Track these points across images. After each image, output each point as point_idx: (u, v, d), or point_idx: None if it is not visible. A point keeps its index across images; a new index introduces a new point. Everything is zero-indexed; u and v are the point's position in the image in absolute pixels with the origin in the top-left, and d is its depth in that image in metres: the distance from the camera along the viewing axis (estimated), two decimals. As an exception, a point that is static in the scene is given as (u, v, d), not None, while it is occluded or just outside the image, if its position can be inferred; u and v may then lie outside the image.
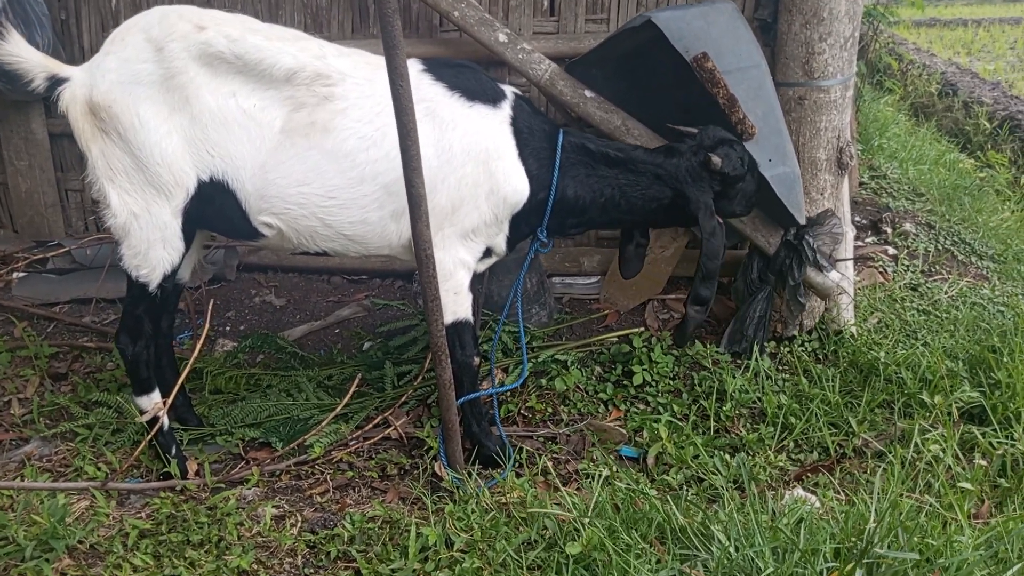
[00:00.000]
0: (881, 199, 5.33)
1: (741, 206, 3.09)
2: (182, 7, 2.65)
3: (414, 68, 2.72)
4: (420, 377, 3.48)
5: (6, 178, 4.62)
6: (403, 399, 3.40)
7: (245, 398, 3.49)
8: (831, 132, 3.53)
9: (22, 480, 2.78)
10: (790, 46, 3.48)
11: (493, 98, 2.78)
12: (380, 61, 2.73)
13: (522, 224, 2.96)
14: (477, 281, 3.78)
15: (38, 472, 2.87)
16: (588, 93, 3.64)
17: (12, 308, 4.06)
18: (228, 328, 4.15)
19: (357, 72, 2.67)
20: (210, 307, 2.89)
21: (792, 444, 3.11)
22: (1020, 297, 4.00)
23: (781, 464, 2.95)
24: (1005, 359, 3.27)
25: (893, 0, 8.00)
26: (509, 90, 2.88)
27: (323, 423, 3.19)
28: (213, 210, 2.69)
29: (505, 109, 2.79)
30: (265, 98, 2.60)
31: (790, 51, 3.48)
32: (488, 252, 3.00)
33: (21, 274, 4.41)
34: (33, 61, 2.60)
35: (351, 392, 3.12)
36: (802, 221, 3.48)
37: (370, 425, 3.24)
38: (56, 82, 2.62)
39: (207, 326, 2.92)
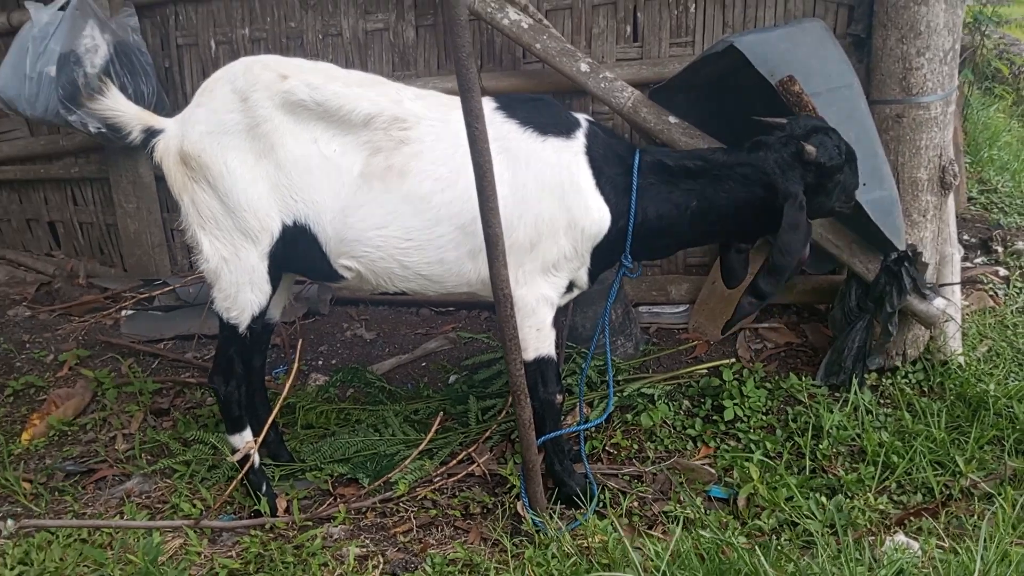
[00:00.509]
0: (992, 215, 5.02)
1: (841, 200, 2.84)
2: (266, 57, 2.74)
3: (487, 106, 2.72)
4: (504, 412, 3.46)
5: (116, 219, 4.89)
6: (487, 434, 3.39)
7: (335, 433, 3.54)
8: (932, 150, 3.34)
9: (122, 517, 2.90)
10: (886, 62, 3.32)
11: (566, 130, 2.74)
12: (454, 101, 2.71)
13: (605, 254, 2.88)
14: (560, 314, 3.75)
15: (137, 509, 2.99)
16: (672, 119, 3.57)
17: (120, 345, 4.28)
18: (320, 362, 4.25)
19: (432, 114, 2.69)
20: (299, 346, 2.94)
21: (894, 485, 2.92)
22: None
23: (881, 507, 2.77)
24: None
25: (1002, -1, 7.54)
26: (583, 118, 2.83)
27: (408, 459, 3.21)
28: (297, 253, 2.76)
29: (579, 139, 2.74)
30: (345, 143, 2.65)
31: (886, 67, 3.32)
32: (571, 286, 2.96)
33: (130, 312, 4.64)
34: (130, 114, 2.74)
35: (434, 428, 3.13)
36: (902, 247, 3.30)
37: (454, 461, 3.23)
38: (151, 133, 2.75)
39: (296, 364, 2.98)
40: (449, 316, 4.52)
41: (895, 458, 2.99)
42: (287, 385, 2.95)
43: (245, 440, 2.96)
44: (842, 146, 2.72)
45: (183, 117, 2.73)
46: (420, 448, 3.21)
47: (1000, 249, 4.46)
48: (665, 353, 3.92)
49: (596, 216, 2.73)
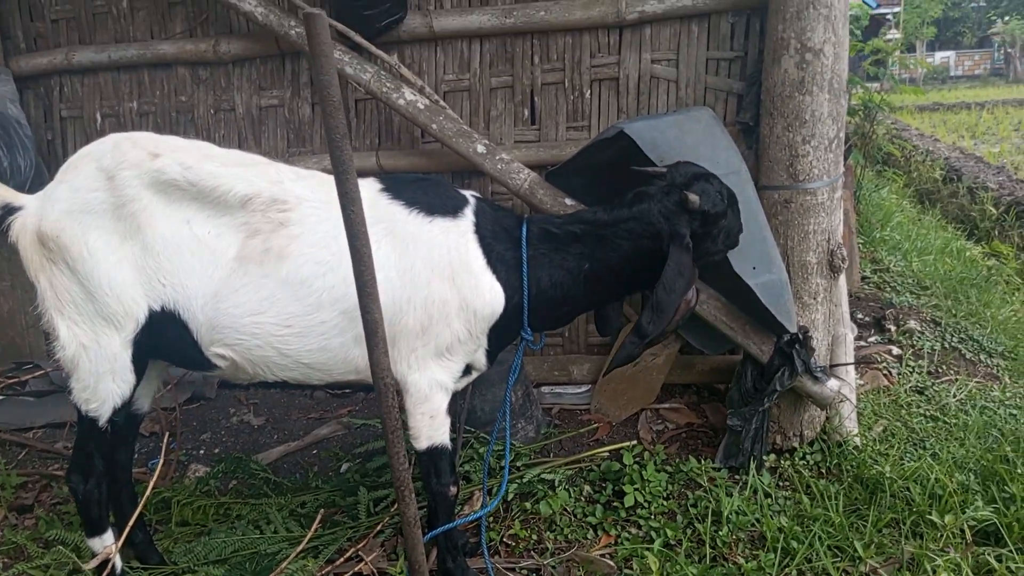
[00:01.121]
0: (884, 294, 5.18)
1: (725, 243, 2.83)
2: (137, 134, 2.60)
3: (371, 188, 2.64)
4: (396, 493, 3.28)
5: (-12, 298, 4.58)
6: (378, 528, 3.20)
7: (212, 531, 3.29)
8: (820, 234, 3.41)
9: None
10: (773, 149, 3.40)
11: (453, 209, 2.67)
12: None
13: (503, 333, 2.79)
14: (458, 398, 3.63)
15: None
16: (569, 201, 3.56)
17: (-16, 434, 3.94)
18: (202, 451, 3.99)
19: (314, 195, 2.59)
20: (166, 439, 2.73)
21: (794, 572, 2.86)
22: (1033, 399, 3.79)
23: (782, 598, 2.71)
24: (1019, 470, 3.05)
25: (893, 87, 8.01)
26: (469, 195, 2.77)
27: (288, 559, 2.99)
28: (165, 341, 2.58)
29: (467, 218, 2.66)
30: (220, 225, 2.52)
31: (773, 154, 3.40)
32: (468, 369, 2.85)
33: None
34: None
35: (316, 524, 2.93)
36: (793, 328, 3.33)
37: (341, 559, 3.03)
38: (9, 211, 2.55)
39: (162, 457, 2.76)
40: (346, 399, 4.34)
41: (794, 544, 2.94)
42: (151, 482, 2.72)
43: (105, 544, 2.70)
44: (724, 191, 2.72)
45: (44, 194, 2.55)
46: (302, 546, 3.00)
47: (893, 328, 4.57)
48: (567, 436, 3.83)
49: (488, 296, 2.65)
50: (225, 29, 4.20)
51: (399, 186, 2.69)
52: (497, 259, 2.66)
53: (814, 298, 3.47)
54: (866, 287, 5.34)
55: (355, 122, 4.13)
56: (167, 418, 4.15)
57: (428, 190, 2.71)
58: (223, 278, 2.50)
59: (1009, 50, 33.99)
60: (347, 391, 4.39)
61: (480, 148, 3.61)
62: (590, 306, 2.92)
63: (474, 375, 2.92)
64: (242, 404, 4.32)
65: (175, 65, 4.30)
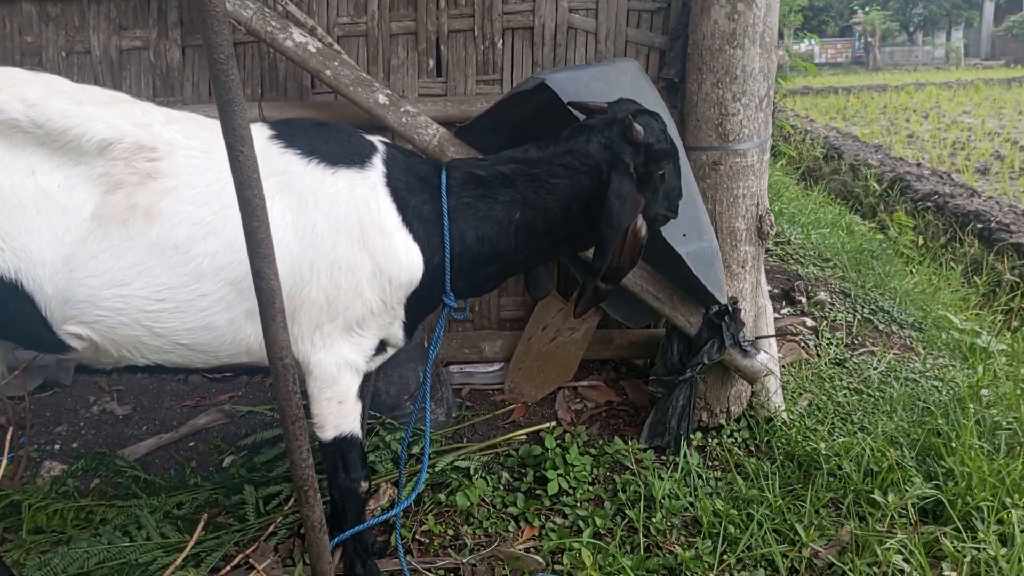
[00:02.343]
0: (789, 266, 5.11)
1: (664, 206, 2.52)
2: (-36, 61, 2.07)
3: (261, 135, 2.21)
4: (292, 500, 2.88)
5: None
6: (271, 529, 2.79)
7: (72, 539, 2.78)
8: (750, 199, 3.21)
9: None
10: (701, 107, 3.16)
11: (360, 158, 2.28)
12: (218, 127, 2.25)
13: (423, 301, 2.41)
14: (367, 380, 3.24)
15: None
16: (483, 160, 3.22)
17: None
18: (58, 446, 3.43)
19: (190, 142, 2.14)
20: (10, 433, 2.23)
21: (734, 560, 2.65)
22: (950, 369, 3.75)
23: (725, 589, 2.49)
24: (954, 444, 2.96)
25: (790, 66, 8.07)
26: (378, 140, 2.38)
27: (168, 570, 2.55)
28: (5, 317, 2.07)
29: (376, 168, 2.28)
30: (72, 176, 2.03)
31: (702, 112, 3.16)
32: (383, 345, 2.46)
33: None
34: None
35: (200, 529, 2.50)
36: (723, 299, 3.12)
37: (228, 567, 2.62)
38: None
39: (6, 455, 2.26)
40: (226, 383, 3.85)
41: (732, 528, 2.74)
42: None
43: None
44: (668, 135, 2.44)
45: None
46: (184, 554, 2.57)
47: (804, 300, 4.49)
48: (480, 419, 3.51)
49: (405, 259, 2.27)
50: (78, -43, 3.60)
51: (294, 132, 2.27)
52: (413, 214, 2.29)
53: (742, 267, 3.28)
54: (770, 259, 5.26)
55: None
56: (14, 409, 3.55)
57: (328, 137, 2.30)
58: (77, 241, 2.02)
59: (869, 39, 35.87)
60: (228, 374, 3.91)
61: (382, 99, 3.20)
62: (521, 265, 2.56)
63: (390, 352, 2.55)
64: (104, 391, 3.76)
65: (19, 0, 3.65)
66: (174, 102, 3.65)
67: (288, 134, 2.26)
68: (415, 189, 2.31)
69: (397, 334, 2.41)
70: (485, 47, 3.58)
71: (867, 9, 37.78)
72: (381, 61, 3.60)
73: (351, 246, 2.21)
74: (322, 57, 3.20)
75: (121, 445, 3.38)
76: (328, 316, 2.23)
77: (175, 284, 2.09)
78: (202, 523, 2.39)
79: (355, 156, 2.27)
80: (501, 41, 3.57)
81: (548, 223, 2.38)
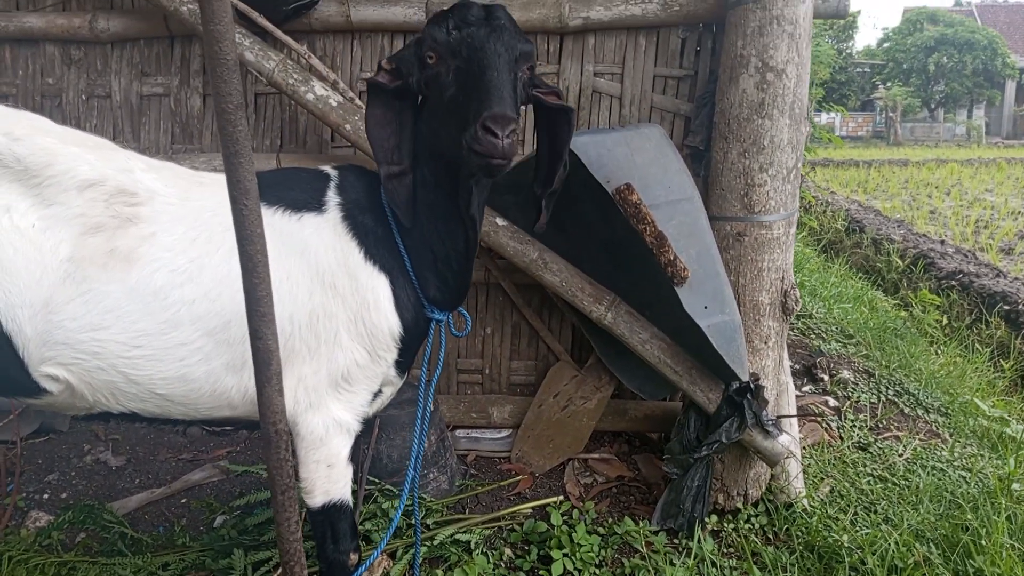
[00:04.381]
0: (811, 341, 4.97)
1: (445, 109, 1.94)
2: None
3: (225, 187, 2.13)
4: (281, 570, 2.73)
5: None
6: (258, 599, 2.64)
7: (49, 598, 2.66)
8: (775, 273, 3.10)
9: None
10: (727, 176, 3.08)
11: (317, 197, 2.19)
12: (197, 176, 2.21)
13: (411, 333, 2.26)
14: (361, 442, 3.12)
15: None
16: (500, 221, 3.15)
17: None
18: (47, 496, 3.30)
19: (168, 190, 2.09)
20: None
21: (749, 660, 2.47)
22: (979, 459, 3.57)
23: None
24: (983, 541, 2.78)
25: (814, 137, 8.03)
26: (329, 170, 2.28)
27: (144, 640, 2.40)
28: (-18, 359, 1.99)
29: (332, 200, 2.18)
30: (50, 216, 1.97)
31: (727, 182, 3.08)
32: (377, 392, 2.34)
33: None
34: None
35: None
36: (744, 376, 2.99)
37: (209, 640, 2.46)
38: None
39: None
40: (225, 438, 3.73)
41: (746, 625, 2.56)
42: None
43: None
44: (471, 19, 1.95)
45: None
46: (162, 625, 2.43)
47: (826, 377, 4.34)
48: (485, 489, 3.35)
49: (373, 298, 2.15)
50: (104, 3, 3.60)
51: (259, 183, 2.17)
52: (373, 240, 2.17)
53: (765, 343, 3.15)
54: (791, 333, 5.13)
55: (254, 119, 3.59)
56: (6, 455, 3.45)
57: (289, 183, 2.23)
58: (55, 283, 1.95)
59: (890, 114, 36.09)
60: (228, 428, 3.79)
61: (401, 155, 3.14)
62: (456, 228, 2.21)
63: (388, 394, 2.42)
64: (99, 440, 3.65)
65: (43, 42, 3.65)
66: (193, 150, 3.62)
67: None
68: (368, 207, 2.20)
69: (390, 375, 2.28)
70: (508, 107, 3.52)
71: (889, 85, 38.13)
72: (402, 117, 3.55)
73: (325, 294, 2.13)
74: (343, 111, 3.15)
75: (112, 498, 3.26)
76: (311, 369, 2.13)
77: (152, 331, 2.00)
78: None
79: (314, 198, 2.19)
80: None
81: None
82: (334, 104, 3.16)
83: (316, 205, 2.17)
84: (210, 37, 1.47)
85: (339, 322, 2.14)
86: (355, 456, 2.37)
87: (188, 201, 2.08)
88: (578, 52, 3.48)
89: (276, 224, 2.12)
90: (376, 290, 2.15)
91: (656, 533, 3.05)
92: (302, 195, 2.18)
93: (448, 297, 2.31)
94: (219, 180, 2.21)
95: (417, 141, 2.15)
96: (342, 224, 2.16)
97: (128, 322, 1.98)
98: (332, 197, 2.19)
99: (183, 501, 3.29)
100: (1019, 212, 12.10)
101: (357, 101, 3.28)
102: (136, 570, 2.77)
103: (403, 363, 2.30)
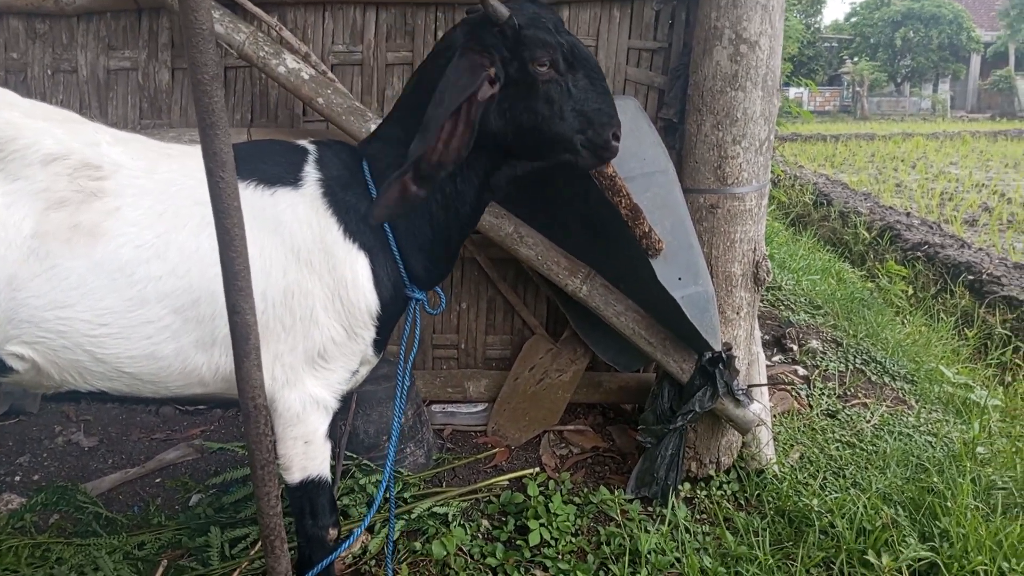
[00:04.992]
0: (781, 313, 5.03)
1: (575, 124, 2.15)
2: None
3: (199, 160, 2.11)
4: (259, 544, 2.74)
5: None
6: (235, 575, 2.64)
7: (24, 579, 2.64)
8: (747, 244, 3.14)
9: None
10: (700, 149, 3.09)
11: (295, 170, 2.16)
12: (166, 149, 2.16)
13: (388, 309, 2.25)
14: (339, 418, 3.11)
15: None
16: (473, 195, 3.14)
17: None
18: (18, 478, 3.27)
19: (134, 163, 2.05)
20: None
21: (723, 622, 2.53)
22: (944, 424, 3.66)
23: (714, 656, 2.37)
24: (948, 503, 2.86)
25: (785, 110, 8.08)
26: (307, 143, 2.26)
27: (123, 617, 2.40)
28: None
29: (311, 178, 2.15)
30: (13, 192, 1.93)
31: (700, 154, 3.10)
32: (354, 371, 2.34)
33: None
34: None
35: (158, 574, 2.35)
36: (717, 346, 3.03)
37: (189, 616, 2.47)
38: None
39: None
40: (198, 416, 3.70)
41: (720, 588, 2.62)
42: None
43: None
44: (561, 29, 2.14)
45: None
46: (140, 601, 2.43)
47: (795, 347, 4.41)
48: (462, 463, 3.38)
49: (352, 275, 2.14)
50: (68, -27, 3.51)
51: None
52: (356, 217, 2.16)
53: (737, 313, 3.19)
54: (761, 305, 5.19)
55: (224, 93, 3.53)
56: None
57: (262, 157, 2.19)
58: (19, 260, 1.91)
59: (858, 89, 36.39)
60: (201, 407, 3.76)
61: (374, 128, 3.11)
62: (468, 224, 2.34)
63: (364, 371, 2.41)
64: (71, 421, 3.61)
65: (6, 15, 3.55)
66: (161, 125, 3.56)
67: None
68: (349, 183, 2.18)
69: (368, 353, 2.28)
70: (481, 80, 3.50)
71: (856, 59, 38.41)
72: (375, 91, 3.52)
73: (300, 270, 2.10)
74: (315, 84, 3.11)
75: (84, 479, 3.23)
76: (287, 346, 2.12)
77: (119, 308, 1.97)
78: (161, 569, 2.25)
79: (290, 172, 2.15)
80: (497, 75, 3.50)
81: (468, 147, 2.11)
82: (306, 77, 3.12)
83: (292, 180, 2.14)
84: (185, 6, 1.45)
85: (315, 299, 2.12)
86: (333, 433, 2.37)
87: (155, 174, 2.04)
88: (551, 24, 3.46)
89: (248, 199, 2.09)
90: (355, 268, 2.14)
91: (631, 501, 3.10)
92: (276, 169, 2.15)
93: (433, 277, 2.33)
94: (188, 152, 2.17)
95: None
96: (321, 200, 2.13)
97: (93, 299, 1.95)
98: (310, 172, 2.17)
99: (157, 481, 3.27)
100: (983, 185, 12.31)
101: (330, 74, 3.25)
102: (111, 550, 2.76)
103: (380, 341, 2.30)
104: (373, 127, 3.09)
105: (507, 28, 2.06)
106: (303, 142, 2.27)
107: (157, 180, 2.04)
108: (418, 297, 2.30)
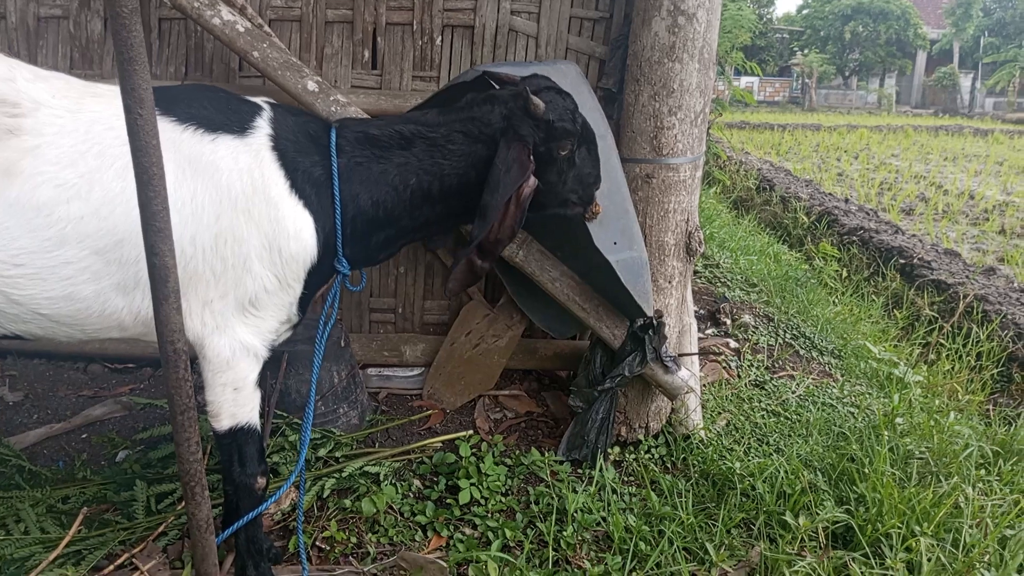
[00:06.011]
0: (717, 289, 5.14)
1: (575, 190, 2.50)
2: None
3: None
4: (183, 490, 2.71)
5: None
6: (161, 529, 2.62)
7: (-60, 532, 2.58)
8: (680, 214, 3.19)
9: None
10: (637, 119, 3.13)
11: (242, 122, 2.14)
12: (90, 88, 2.09)
13: (317, 271, 2.27)
14: (269, 376, 3.11)
15: None
16: (412, 157, 3.13)
17: None
18: (-64, 432, 3.19)
19: (56, 101, 1.99)
20: None
21: (643, 577, 2.60)
22: (867, 396, 3.79)
23: (632, 608, 2.43)
24: (866, 469, 2.97)
25: (721, 100, 8.21)
26: (263, 101, 2.25)
27: (41, 566, 2.36)
28: None
29: (260, 130, 2.15)
30: None
31: (637, 124, 3.14)
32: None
33: None
34: None
35: (77, 524, 2.32)
36: (650, 312, 3.09)
37: (111, 567, 2.44)
38: None
39: None
40: (128, 375, 3.64)
41: (643, 545, 2.68)
42: None
43: None
44: (579, 116, 2.42)
45: None
46: (58, 550, 2.40)
47: (728, 321, 4.51)
48: (395, 424, 3.39)
49: (293, 228, 2.13)
50: (-4, -86, 3.40)
51: (168, 99, 2.11)
52: (304, 178, 2.17)
53: (669, 281, 3.25)
54: (698, 280, 5.29)
55: (157, 45, 3.46)
56: None
57: (207, 102, 2.15)
58: None
59: (807, 80, 37.04)
60: (131, 365, 3.70)
61: (311, 86, 3.08)
62: (417, 232, 2.45)
63: (284, 330, 2.40)
64: (-6, 376, 3.53)
65: (-74, -44, 3.43)
66: (93, 75, 3.47)
67: (162, 100, 2.11)
68: (306, 150, 2.19)
69: (292, 310, 2.28)
70: (423, 42, 3.50)
71: (806, 51, 39.06)
72: (314, 48, 3.48)
73: (235, 218, 2.08)
74: (250, 38, 3.06)
75: (8, 433, 3.16)
76: (218, 292, 2.10)
77: (35, 248, 1.93)
78: (80, 518, 2.23)
79: (237, 121, 2.13)
80: (440, 38, 3.49)
81: (444, 190, 2.33)
82: (241, 30, 3.07)
83: (237, 129, 2.11)
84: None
85: (250, 248, 2.10)
86: (263, 383, 2.36)
87: (80, 113, 1.99)
88: (495, -11, 3.46)
89: (185, 141, 2.05)
90: (298, 221, 2.14)
91: (561, 463, 3.15)
92: (221, 116, 2.11)
93: (362, 260, 2.39)
94: (116, 92, 2.13)
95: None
96: (269, 153, 2.12)
97: (7, 239, 1.90)
98: (261, 126, 2.14)
99: (84, 436, 3.22)
100: (921, 176, 12.68)
101: (267, 28, 3.20)
102: (35, 503, 2.71)
103: (305, 298, 2.30)
104: (310, 84, 3.07)
105: (541, 122, 2.29)
106: (258, 99, 2.25)
107: (81, 119, 1.99)
108: (344, 272, 2.31)
